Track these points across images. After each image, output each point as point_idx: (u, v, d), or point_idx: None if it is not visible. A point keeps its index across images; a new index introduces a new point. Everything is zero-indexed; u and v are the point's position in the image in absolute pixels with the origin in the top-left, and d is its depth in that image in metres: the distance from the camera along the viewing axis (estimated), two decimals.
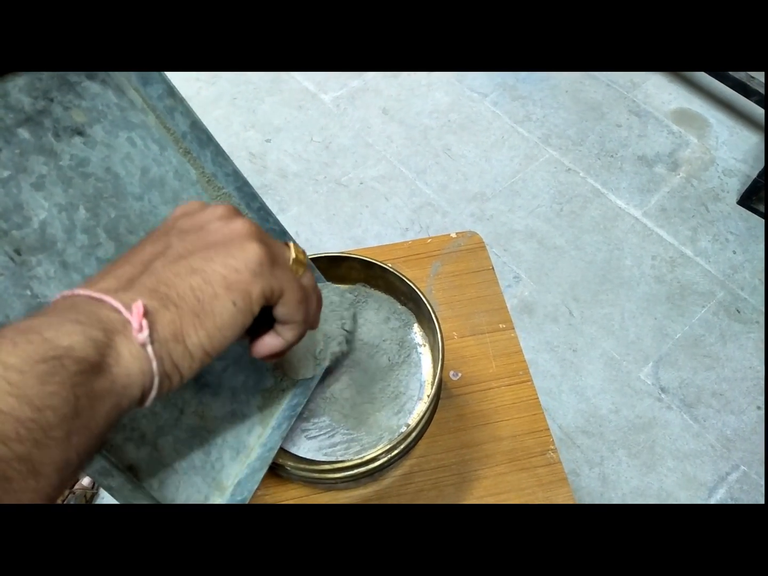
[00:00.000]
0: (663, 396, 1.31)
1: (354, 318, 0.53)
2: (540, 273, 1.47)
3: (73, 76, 0.37)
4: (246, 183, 0.45)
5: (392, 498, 0.54)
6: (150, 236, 0.31)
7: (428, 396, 0.52)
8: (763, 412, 1.30)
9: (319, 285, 0.53)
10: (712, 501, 1.20)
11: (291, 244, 0.34)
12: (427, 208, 1.58)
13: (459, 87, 1.81)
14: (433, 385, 0.51)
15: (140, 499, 0.35)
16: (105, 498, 1.20)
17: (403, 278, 0.55)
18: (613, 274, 1.47)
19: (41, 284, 0.34)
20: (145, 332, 0.26)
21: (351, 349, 0.54)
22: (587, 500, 1.20)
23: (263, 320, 0.33)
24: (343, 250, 0.58)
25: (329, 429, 0.52)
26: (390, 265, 0.56)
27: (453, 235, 0.70)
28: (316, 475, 0.48)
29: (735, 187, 1.61)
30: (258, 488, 0.42)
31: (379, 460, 0.48)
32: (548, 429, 0.57)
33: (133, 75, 0.40)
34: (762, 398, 1.31)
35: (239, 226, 0.31)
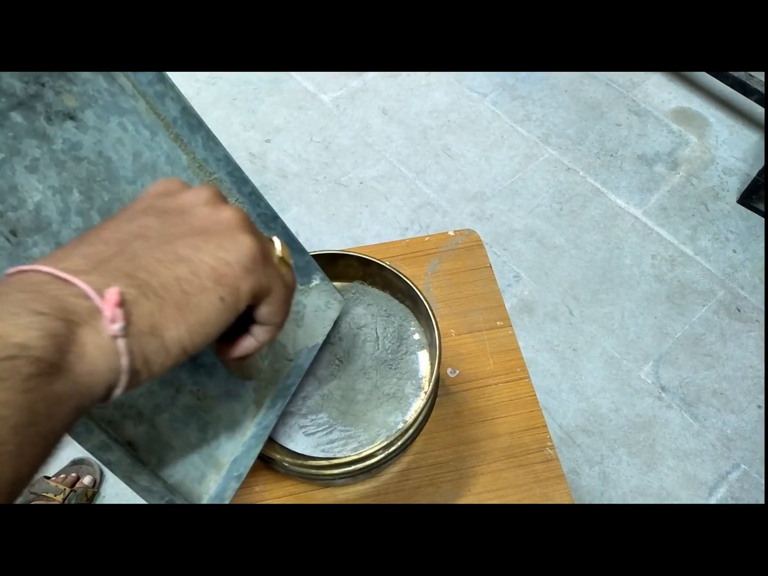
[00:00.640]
0: (663, 395, 1.31)
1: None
2: (540, 272, 1.47)
3: None
4: (237, 168, 0.45)
5: (389, 494, 0.54)
6: (124, 212, 0.28)
7: (425, 393, 0.52)
8: (763, 410, 1.29)
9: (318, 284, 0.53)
10: (713, 500, 1.20)
11: (275, 240, 0.32)
12: (426, 208, 1.58)
13: (458, 87, 1.81)
14: (430, 381, 0.51)
15: (139, 473, 0.35)
16: (106, 497, 1.20)
17: (401, 275, 0.55)
18: (613, 273, 1.47)
19: None
20: (119, 324, 0.23)
21: (345, 345, 0.54)
22: (587, 499, 1.20)
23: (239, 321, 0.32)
24: (341, 248, 0.58)
25: (327, 426, 0.52)
26: (387, 262, 0.56)
27: (451, 233, 0.70)
28: (313, 471, 0.49)
29: (735, 185, 1.61)
30: (252, 468, 0.42)
31: (376, 456, 0.48)
32: (546, 426, 0.58)
33: None
34: (762, 397, 1.31)
35: (229, 214, 0.28)
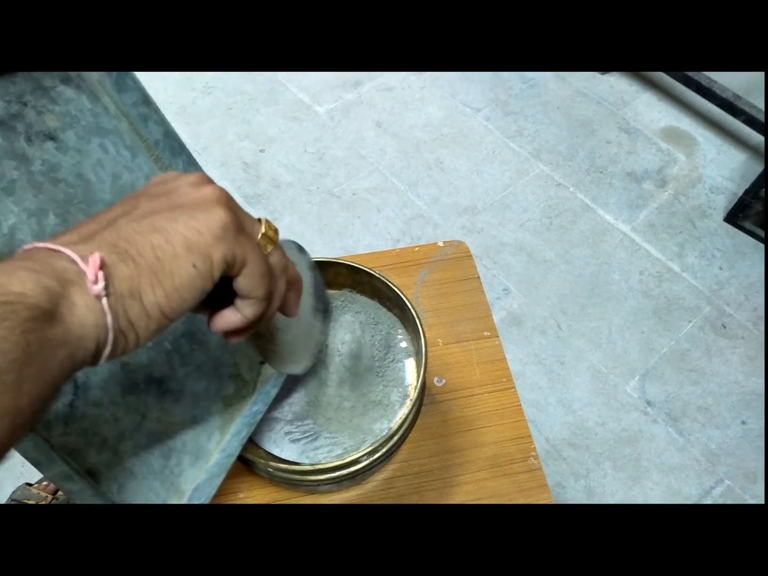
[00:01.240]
0: (649, 409, 1.32)
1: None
2: (529, 286, 1.48)
3: (47, 81, 0.37)
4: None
5: (374, 502, 0.54)
6: (122, 200, 0.31)
7: (411, 400, 0.53)
8: (747, 427, 1.31)
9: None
10: None
11: (262, 219, 0.33)
12: (418, 220, 1.59)
13: (452, 101, 1.83)
14: (416, 389, 0.52)
15: (99, 503, 0.35)
16: None
17: (389, 284, 0.55)
18: (601, 288, 1.49)
19: None
20: (101, 284, 0.25)
21: (331, 354, 0.54)
22: None
23: (226, 296, 0.33)
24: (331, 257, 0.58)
25: (312, 432, 0.52)
26: (376, 271, 0.56)
27: (440, 244, 0.71)
28: (298, 476, 0.49)
29: (722, 204, 1.64)
30: (218, 492, 0.42)
31: (360, 462, 0.49)
32: (530, 436, 0.58)
33: (107, 81, 0.40)
34: (746, 413, 1.32)
35: (209, 191, 0.30)
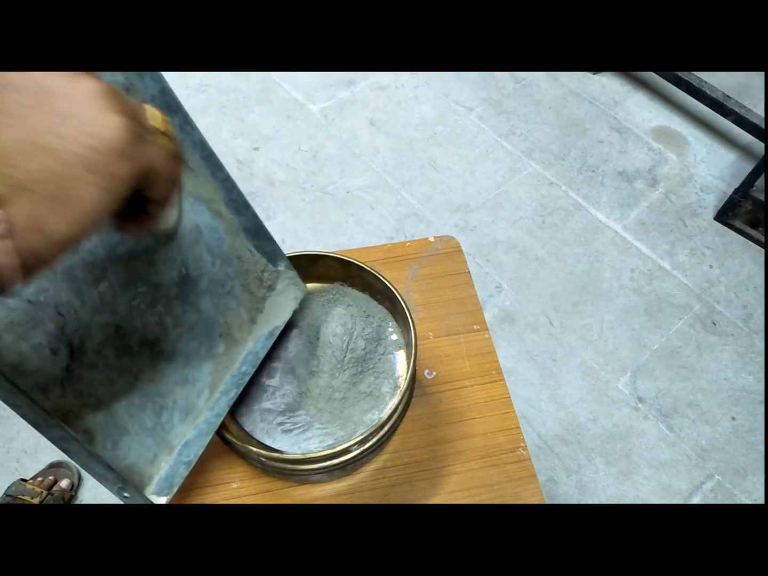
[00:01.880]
0: (640, 405, 1.34)
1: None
2: (521, 283, 1.49)
3: None
4: (212, 153, 0.45)
5: (365, 492, 0.55)
6: None
7: (401, 390, 0.53)
8: (737, 423, 1.32)
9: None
10: None
11: (147, 108, 0.30)
12: (411, 218, 1.60)
13: (445, 101, 1.84)
14: (406, 380, 0.52)
15: (95, 463, 0.37)
16: (83, 501, 1.19)
17: (380, 277, 0.56)
18: (593, 286, 1.50)
19: None
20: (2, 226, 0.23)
21: (326, 345, 0.55)
22: None
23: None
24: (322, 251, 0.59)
25: (304, 423, 0.53)
26: (367, 264, 0.57)
27: (431, 239, 0.72)
28: (289, 466, 0.49)
29: (712, 203, 1.65)
30: (204, 452, 0.45)
31: (351, 452, 0.49)
32: (519, 427, 0.59)
33: None
34: (736, 409, 1.34)
35: (89, 86, 0.26)
